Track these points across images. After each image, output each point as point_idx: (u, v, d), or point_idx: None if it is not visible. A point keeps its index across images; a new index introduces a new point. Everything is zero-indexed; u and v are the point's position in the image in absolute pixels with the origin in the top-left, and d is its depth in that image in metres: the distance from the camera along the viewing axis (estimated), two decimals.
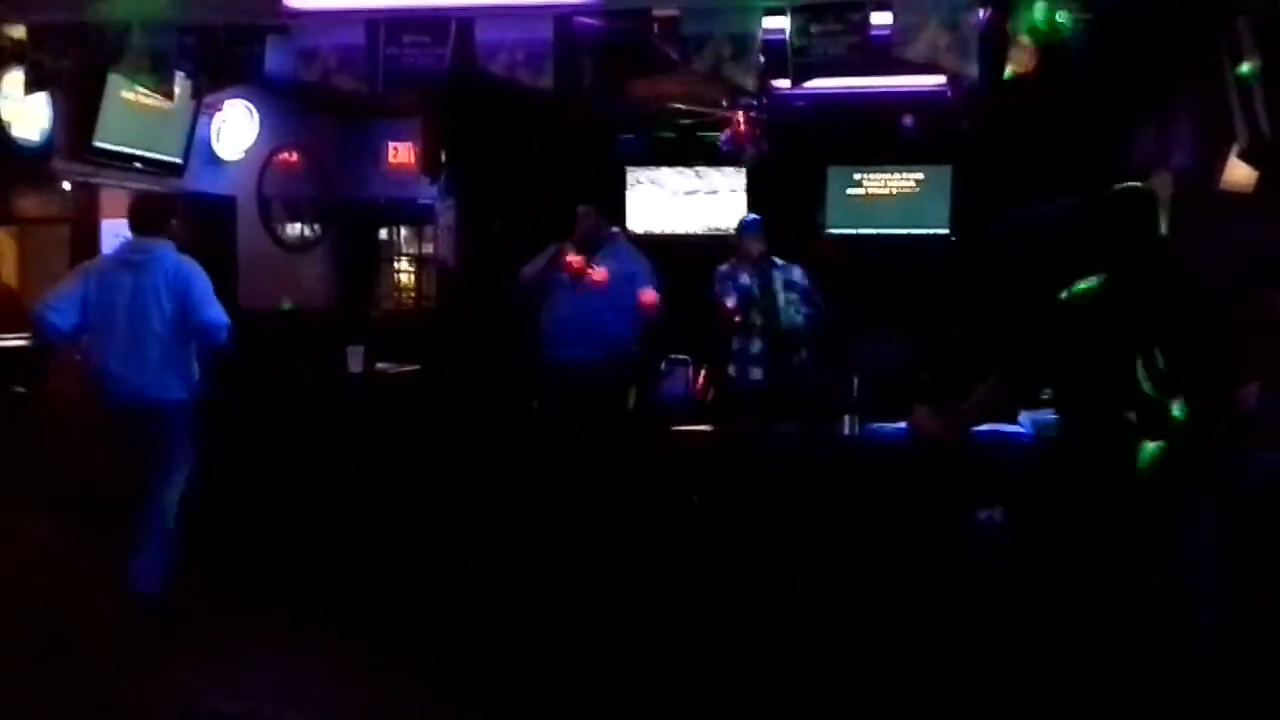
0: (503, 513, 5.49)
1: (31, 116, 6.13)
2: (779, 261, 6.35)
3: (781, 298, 6.26)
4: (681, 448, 5.18)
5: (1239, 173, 5.00)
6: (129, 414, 4.67)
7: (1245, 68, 4.43)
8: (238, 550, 5.19)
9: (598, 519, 5.09)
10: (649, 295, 5.94)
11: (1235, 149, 4.86)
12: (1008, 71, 4.54)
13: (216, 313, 4.71)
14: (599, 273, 5.89)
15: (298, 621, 4.66)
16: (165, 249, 4.79)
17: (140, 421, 4.66)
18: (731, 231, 6.59)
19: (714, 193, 8.67)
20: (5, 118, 6.05)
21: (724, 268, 6.29)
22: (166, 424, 4.68)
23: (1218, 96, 4.83)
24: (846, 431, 5.01)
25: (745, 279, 6.23)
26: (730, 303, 6.18)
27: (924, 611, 3.98)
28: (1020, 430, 4.45)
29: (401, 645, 4.40)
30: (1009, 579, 3.34)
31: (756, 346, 6.21)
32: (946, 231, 8.30)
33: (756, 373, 6.19)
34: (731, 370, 6.30)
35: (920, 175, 8.33)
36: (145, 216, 4.91)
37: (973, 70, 4.27)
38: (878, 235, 8.42)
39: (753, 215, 6.71)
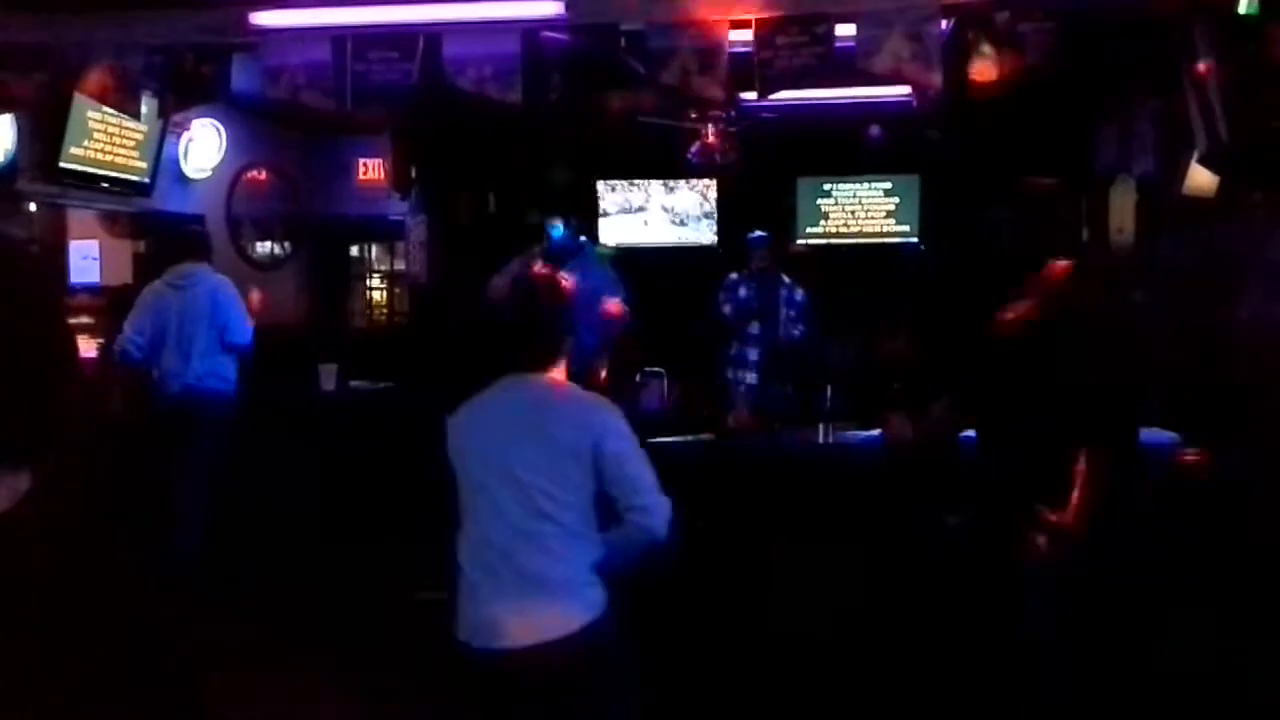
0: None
1: None
2: (786, 279, 6.84)
3: (783, 312, 6.75)
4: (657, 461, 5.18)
5: (1200, 178, 5.07)
6: (180, 403, 5.56)
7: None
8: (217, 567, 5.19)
9: None
10: (614, 305, 5.99)
11: (1195, 155, 4.92)
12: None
13: (244, 329, 5.72)
14: (567, 281, 5.90)
15: (275, 636, 4.64)
16: (204, 272, 5.75)
17: (187, 410, 5.53)
18: (701, 243, 6.82)
19: (683, 205, 8.70)
20: None
21: (733, 277, 6.87)
22: (210, 410, 5.56)
23: (1178, 103, 4.90)
24: (820, 439, 5.04)
25: (744, 291, 6.76)
26: (726, 311, 6.77)
27: (893, 612, 4.00)
28: None
29: (376, 660, 4.39)
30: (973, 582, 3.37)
31: (753, 354, 6.75)
32: (915, 240, 8.37)
33: (751, 378, 6.71)
34: (728, 374, 6.82)
35: (888, 185, 8.40)
36: (186, 245, 5.92)
37: (936, 80, 4.32)
38: (847, 245, 8.48)
39: (759, 232, 7.04)
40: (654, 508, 2.64)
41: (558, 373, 2.91)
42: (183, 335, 5.58)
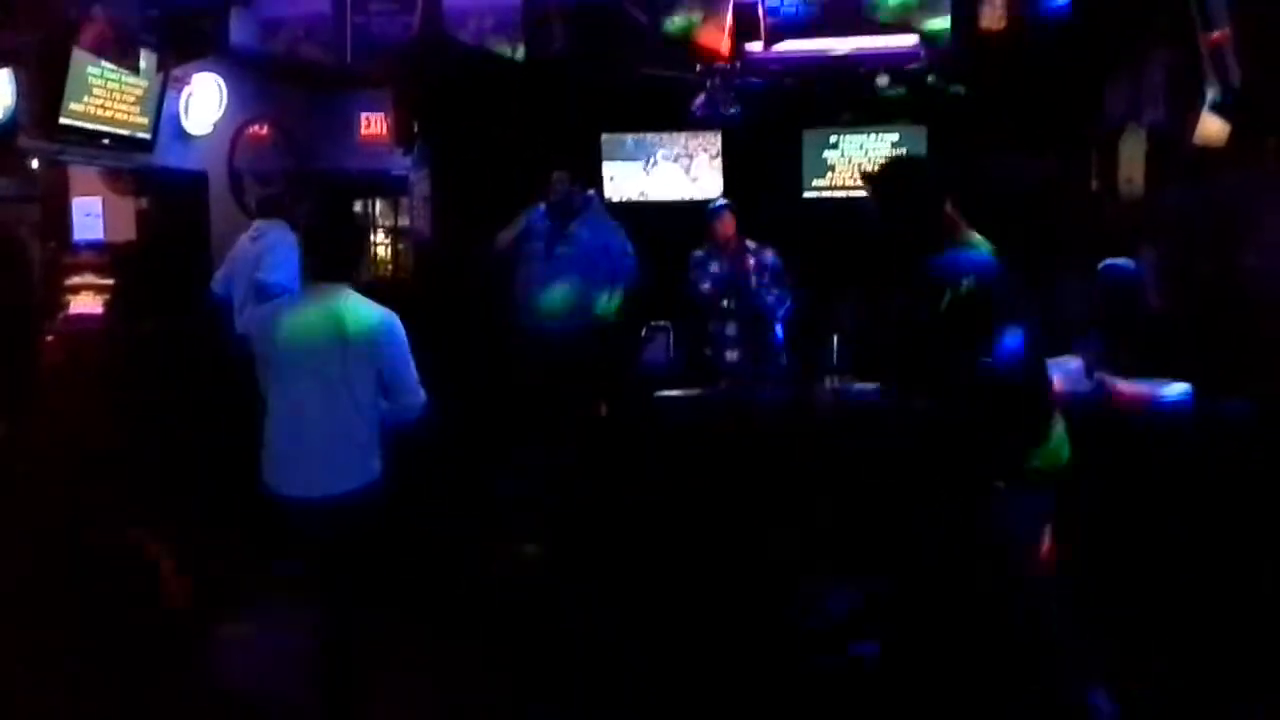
0: (485, 482, 5.50)
1: None
2: (751, 245, 6.46)
3: (753, 280, 6.40)
4: (663, 413, 5.20)
5: (1212, 127, 5.01)
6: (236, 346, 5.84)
7: None
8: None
9: (581, 485, 5.11)
10: (616, 258, 6.03)
11: (1207, 103, 4.86)
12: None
13: (273, 271, 6.07)
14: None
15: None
16: (276, 228, 6.28)
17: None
18: (707, 196, 6.64)
19: (689, 158, 8.63)
20: None
21: (698, 253, 6.47)
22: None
23: (1189, 51, 4.83)
24: (828, 390, 5.04)
25: (716, 266, 6.41)
26: (705, 288, 6.39)
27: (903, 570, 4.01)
28: None
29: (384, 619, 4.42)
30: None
31: (731, 329, 6.41)
32: None
33: (732, 355, 6.38)
34: (708, 352, 6.47)
35: (895, 136, 8.30)
36: (266, 205, 6.83)
37: (944, 27, 4.26)
38: (854, 198, 8.42)
39: (721, 200, 6.79)
40: (415, 396, 3.67)
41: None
42: (242, 283, 6.24)
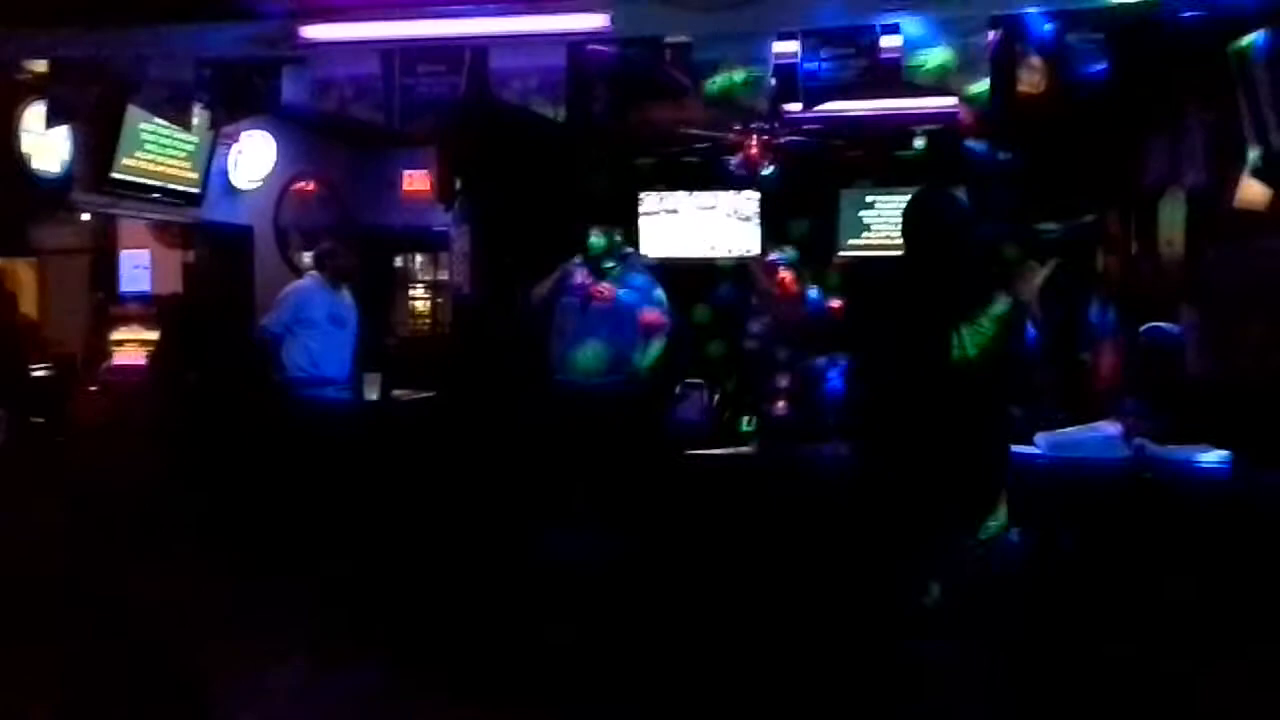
0: (520, 536, 5.50)
1: (52, 149, 6.20)
2: (812, 294, 6.56)
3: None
4: (698, 472, 5.20)
5: (1253, 191, 4.99)
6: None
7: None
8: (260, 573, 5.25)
9: (614, 543, 5.10)
10: (650, 315, 5.99)
11: (1248, 166, 4.84)
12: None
13: None
14: (608, 289, 5.92)
15: (320, 644, 4.69)
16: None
17: None
18: (745, 255, 6.65)
19: (727, 217, 8.69)
20: (26, 150, 6.12)
21: (754, 300, 6.53)
22: None
23: (1229, 113, 4.83)
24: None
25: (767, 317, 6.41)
26: (750, 344, 6.57)
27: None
28: (1036, 451, 4.44)
29: (419, 670, 4.42)
30: (1026, 596, 3.34)
31: (783, 382, 6.32)
32: None
33: (780, 407, 6.28)
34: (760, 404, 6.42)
35: None
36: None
37: (983, 89, 4.29)
38: (890, 257, 8.42)
39: (779, 254, 6.81)
40: None
41: None
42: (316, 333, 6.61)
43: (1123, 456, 4.34)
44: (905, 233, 3.58)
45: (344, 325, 6.72)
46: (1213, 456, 4.21)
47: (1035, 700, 3.56)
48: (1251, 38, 4.45)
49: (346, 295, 6.91)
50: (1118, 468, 4.27)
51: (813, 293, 6.71)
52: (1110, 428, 4.45)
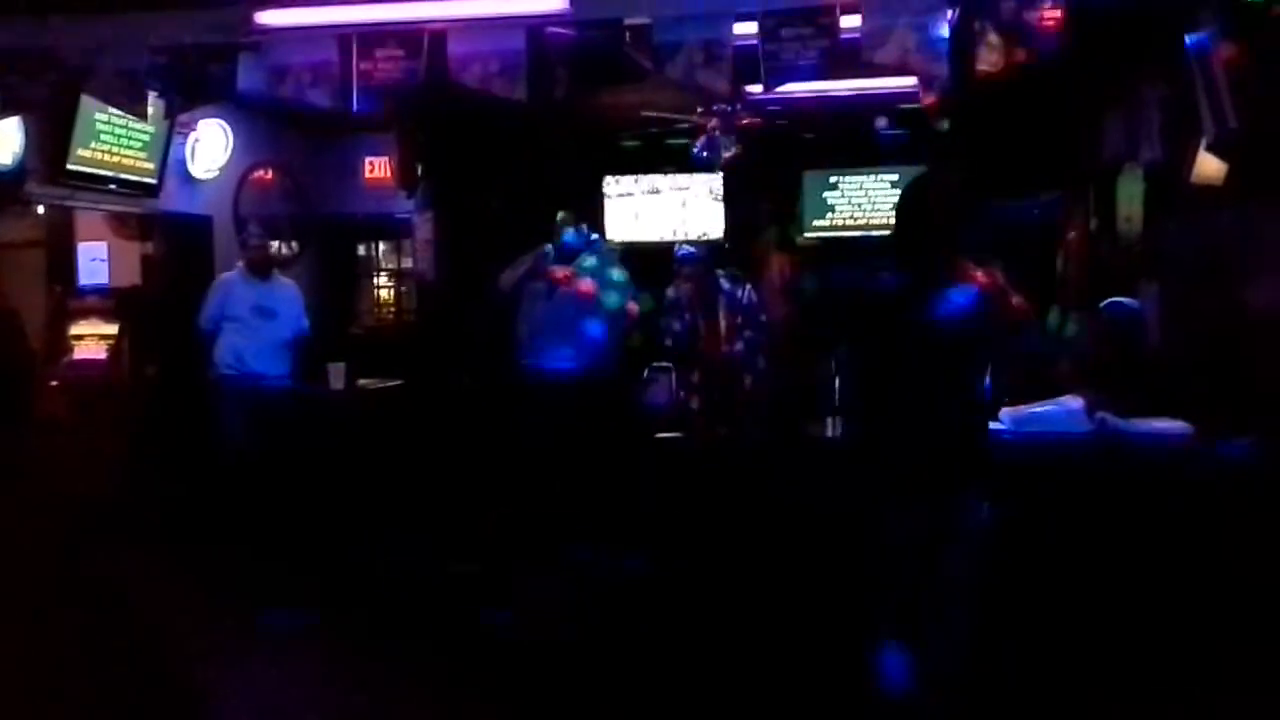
0: (487, 523, 5.49)
1: (3, 141, 6.10)
2: (725, 285, 6.23)
3: (723, 324, 6.17)
4: (665, 455, 5.21)
5: (1209, 166, 5.04)
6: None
7: None
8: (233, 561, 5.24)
9: (582, 526, 5.11)
10: (631, 308, 6.00)
11: (1204, 142, 4.90)
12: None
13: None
14: (586, 284, 5.89)
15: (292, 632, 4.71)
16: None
17: None
18: (708, 238, 6.61)
19: (691, 200, 8.69)
20: None
21: (670, 294, 6.29)
22: None
23: (1185, 90, 4.88)
24: (829, 433, 5.04)
25: (678, 325, 6.19)
26: (668, 343, 6.23)
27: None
28: (1001, 426, 4.47)
29: (388, 652, 4.42)
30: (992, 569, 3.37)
31: (695, 377, 6.19)
32: None
33: (695, 401, 6.15)
34: (681, 394, 6.26)
35: (895, 176, 8.37)
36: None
37: (942, 71, 4.31)
38: (854, 238, 8.47)
39: (686, 248, 6.53)
40: None
41: None
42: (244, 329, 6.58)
43: (1085, 430, 4.38)
44: (908, 215, 3.44)
45: (272, 317, 6.59)
46: (1174, 428, 4.26)
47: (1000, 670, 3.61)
48: (1204, 22, 4.50)
49: (281, 285, 6.83)
50: (1081, 441, 4.31)
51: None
52: (1073, 402, 4.49)
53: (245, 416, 6.30)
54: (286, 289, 6.82)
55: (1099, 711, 3.73)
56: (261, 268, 6.72)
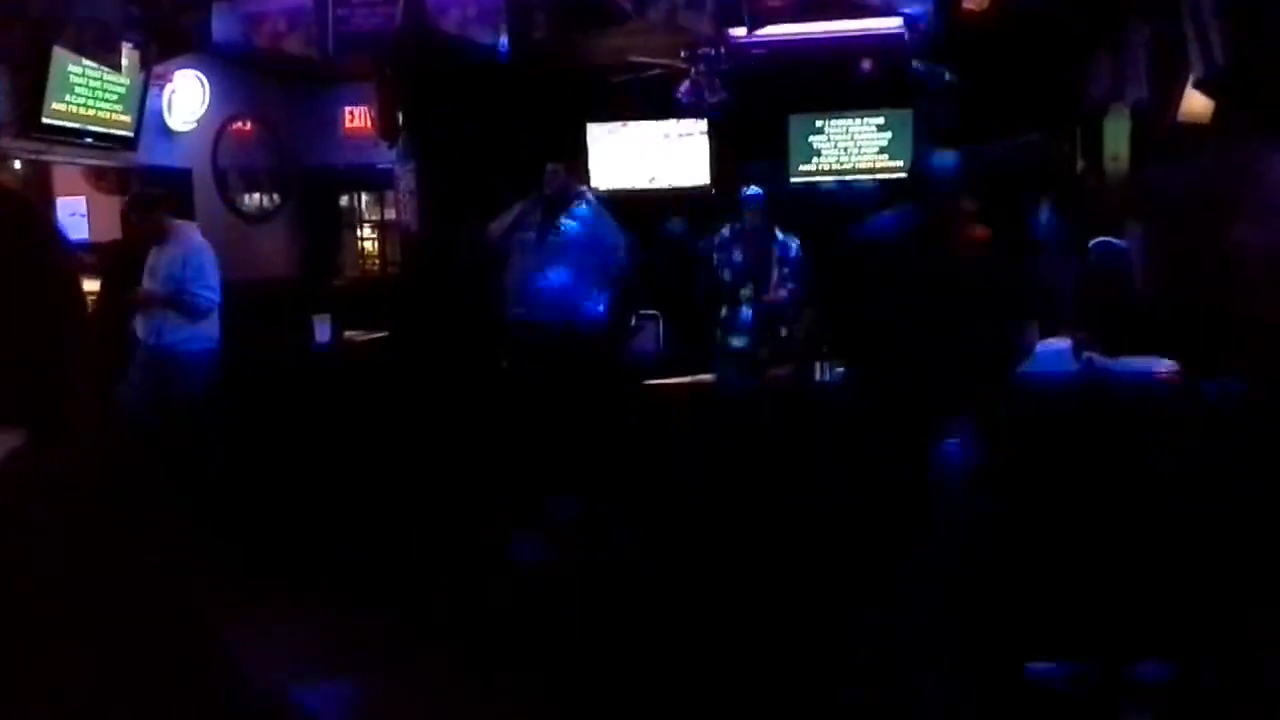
0: (480, 475, 5.50)
1: None
2: (779, 235, 6.61)
3: (775, 273, 6.51)
4: (654, 402, 5.22)
5: (1196, 103, 5.02)
6: None
7: None
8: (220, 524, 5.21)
9: (573, 476, 5.12)
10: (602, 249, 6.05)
11: (1191, 79, 4.87)
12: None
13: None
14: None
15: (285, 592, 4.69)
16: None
17: None
18: (694, 184, 6.68)
19: (676, 146, 8.61)
20: None
21: (725, 233, 6.53)
22: None
23: (1173, 27, 4.84)
24: (818, 377, 5.05)
25: (738, 254, 6.55)
26: (727, 277, 6.56)
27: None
28: None
29: (379, 615, 4.43)
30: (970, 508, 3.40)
31: (745, 315, 6.52)
32: (906, 175, 8.30)
33: (739, 341, 6.49)
34: (718, 335, 6.60)
35: (881, 120, 8.31)
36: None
37: (926, 8, 4.26)
38: (842, 182, 8.42)
39: (754, 189, 6.84)
40: None
41: None
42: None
43: (1072, 370, 4.39)
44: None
45: (153, 277, 6.07)
46: (1160, 367, 4.27)
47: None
48: None
49: (184, 239, 6.18)
50: (1067, 381, 4.32)
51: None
52: (1059, 342, 4.49)
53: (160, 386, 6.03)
54: (188, 243, 6.22)
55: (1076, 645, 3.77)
56: (140, 234, 6.21)
